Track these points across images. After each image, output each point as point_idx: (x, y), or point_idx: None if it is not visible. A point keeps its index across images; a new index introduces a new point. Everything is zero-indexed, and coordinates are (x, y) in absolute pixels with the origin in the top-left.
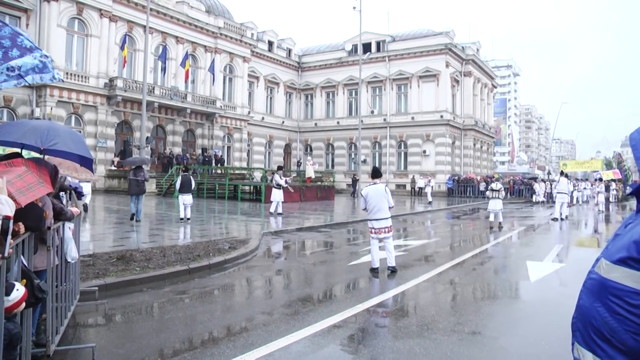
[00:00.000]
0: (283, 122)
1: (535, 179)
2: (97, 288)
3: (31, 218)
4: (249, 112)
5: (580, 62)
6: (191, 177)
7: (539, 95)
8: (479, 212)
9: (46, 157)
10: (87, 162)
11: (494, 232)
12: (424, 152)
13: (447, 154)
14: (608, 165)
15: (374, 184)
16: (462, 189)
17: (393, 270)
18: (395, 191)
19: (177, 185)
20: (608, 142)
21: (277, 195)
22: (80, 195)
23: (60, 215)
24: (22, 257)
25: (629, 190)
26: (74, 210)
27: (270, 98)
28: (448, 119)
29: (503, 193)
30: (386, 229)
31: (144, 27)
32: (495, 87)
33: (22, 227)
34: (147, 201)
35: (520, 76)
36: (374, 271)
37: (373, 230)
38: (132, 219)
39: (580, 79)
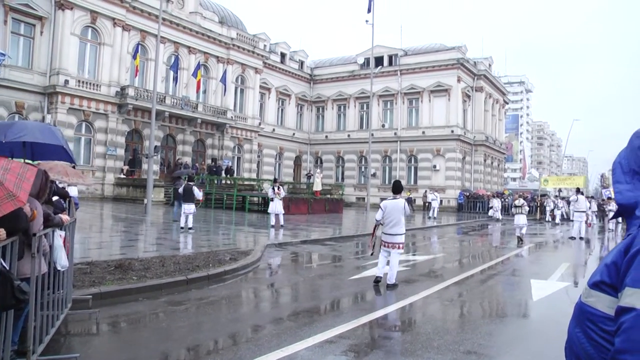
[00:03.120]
0: (294, 134)
1: (496, 194)
2: (91, 296)
3: (8, 219)
4: (259, 123)
5: (593, 78)
6: (194, 187)
7: (552, 112)
8: (487, 228)
9: (40, 163)
10: (62, 153)
11: (500, 248)
12: (434, 166)
13: (457, 169)
14: None
15: (394, 198)
16: (471, 204)
17: (391, 287)
18: None
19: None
20: None
21: (274, 208)
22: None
23: (47, 221)
24: (1, 259)
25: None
26: (64, 217)
27: (282, 110)
28: (459, 134)
29: (527, 208)
30: (398, 245)
31: (157, 36)
32: (507, 103)
33: (2, 232)
34: (154, 210)
35: (532, 92)
36: (376, 281)
37: (385, 244)
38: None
39: (593, 95)
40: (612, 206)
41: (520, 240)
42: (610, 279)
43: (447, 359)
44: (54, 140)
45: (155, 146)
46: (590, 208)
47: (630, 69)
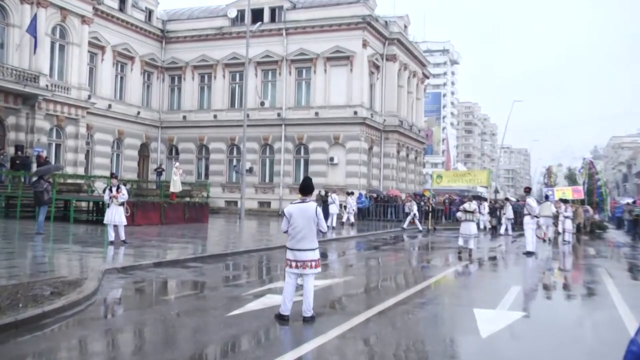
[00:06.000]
0: (139, 112)
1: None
2: None
3: None
4: (89, 97)
5: (536, 49)
6: None
7: (483, 91)
8: (404, 241)
9: None
10: None
11: (426, 268)
12: (332, 159)
13: (363, 162)
14: (570, 179)
15: (303, 202)
16: (381, 209)
17: (309, 320)
18: None
19: None
20: (573, 151)
21: (111, 216)
22: None
23: None
24: None
25: None
26: None
27: (121, 78)
28: (364, 116)
29: (478, 215)
30: (312, 263)
31: None
32: (428, 78)
33: None
34: None
35: (459, 65)
36: (283, 319)
37: (294, 264)
38: None
39: (537, 72)
40: (568, 211)
41: (460, 254)
42: None
43: None
44: None
45: None
46: (506, 214)
47: (588, 35)
